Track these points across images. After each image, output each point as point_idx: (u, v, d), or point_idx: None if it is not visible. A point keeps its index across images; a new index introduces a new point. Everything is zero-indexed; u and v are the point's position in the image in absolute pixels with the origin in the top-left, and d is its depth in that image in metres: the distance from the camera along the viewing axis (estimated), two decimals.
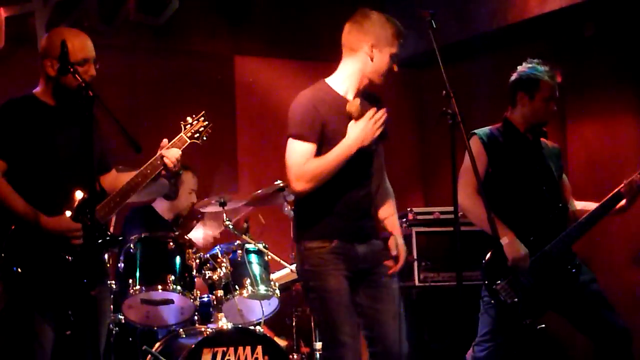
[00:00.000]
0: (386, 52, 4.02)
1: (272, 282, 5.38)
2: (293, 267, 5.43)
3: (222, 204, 5.60)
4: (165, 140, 4.12)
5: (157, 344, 5.05)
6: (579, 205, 4.94)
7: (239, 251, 5.32)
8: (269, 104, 7.24)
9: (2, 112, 3.92)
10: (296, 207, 4.15)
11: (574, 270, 4.72)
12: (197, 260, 5.15)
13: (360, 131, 3.91)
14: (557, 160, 4.95)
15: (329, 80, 4.10)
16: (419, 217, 6.42)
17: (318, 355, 5.56)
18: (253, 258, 5.38)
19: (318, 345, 5.50)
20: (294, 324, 5.94)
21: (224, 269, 5.17)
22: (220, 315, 5.12)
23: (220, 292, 5.16)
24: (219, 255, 5.22)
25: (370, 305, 4.06)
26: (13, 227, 3.83)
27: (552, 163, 4.89)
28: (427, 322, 6.39)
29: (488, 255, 4.69)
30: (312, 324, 5.55)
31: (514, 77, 4.87)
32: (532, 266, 4.63)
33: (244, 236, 5.55)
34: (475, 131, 4.83)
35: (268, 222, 5.98)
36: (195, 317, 5.22)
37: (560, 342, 6.20)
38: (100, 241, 3.96)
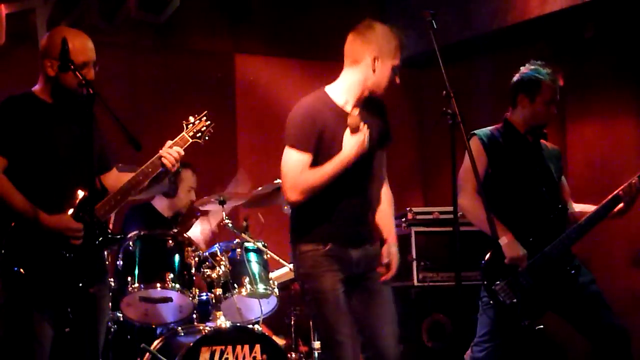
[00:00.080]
0: (388, 65, 4.02)
1: (271, 281, 5.38)
2: (292, 266, 5.43)
3: (222, 202, 5.60)
4: (169, 142, 4.13)
5: (156, 342, 5.05)
6: (578, 207, 4.94)
7: (238, 250, 5.32)
8: (269, 102, 7.24)
9: (1, 109, 3.92)
10: (292, 211, 4.15)
11: (573, 272, 4.72)
12: (196, 259, 5.15)
13: (355, 144, 3.92)
14: (556, 161, 4.95)
15: (329, 89, 4.09)
16: (419, 216, 6.42)
17: (316, 354, 5.56)
18: (252, 257, 5.39)
19: (316, 344, 5.50)
20: (292, 322, 5.94)
21: (222, 267, 5.17)
22: (219, 313, 5.13)
23: (219, 291, 5.16)
24: (218, 254, 5.23)
25: (364, 310, 4.07)
26: (13, 224, 3.83)
27: (552, 164, 4.89)
28: (425, 322, 6.39)
29: (487, 256, 4.69)
30: (311, 323, 5.55)
31: (515, 78, 4.86)
32: (531, 267, 4.63)
33: (243, 235, 5.55)
34: (475, 132, 4.83)
35: (267, 220, 5.98)
36: (194, 316, 5.22)
37: (559, 343, 6.20)
38: (100, 239, 3.96)
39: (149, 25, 6.98)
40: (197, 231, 6.03)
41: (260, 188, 5.66)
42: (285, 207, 5.53)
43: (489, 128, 4.88)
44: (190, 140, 4.20)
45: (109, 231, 4.06)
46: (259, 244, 5.46)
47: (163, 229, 5.54)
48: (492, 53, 7.14)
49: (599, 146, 6.57)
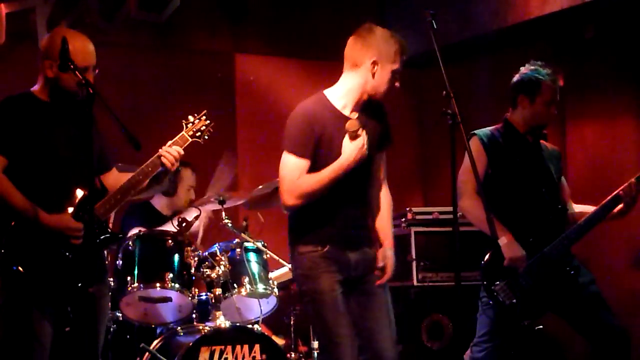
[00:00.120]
0: (388, 69, 4.02)
1: (270, 281, 5.38)
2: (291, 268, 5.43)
3: (221, 202, 5.60)
4: (169, 142, 4.13)
5: (155, 342, 5.05)
6: (578, 208, 4.94)
7: (238, 249, 5.32)
8: (269, 101, 7.24)
9: (0, 109, 3.92)
10: (290, 213, 4.15)
11: (572, 272, 4.72)
12: (196, 258, 5.15)
13: (354, 150, 3.92)
14: (556, 162, 4.95)
15: (328, 92, 4.10)
16: (418, 217, 6.42)
17: (316, 354, 5.56)
18: (252, 256, 5.38)
19: (316, 344, 5.50)
20: (292, 322, 5.93)
21: (222, 267, 5.16)
22: (219, 313, 5.12)
23: (218, 290, 5.15)
24: (218, 254, 5.22)
25: (361, 313, 4.07)
26: (13, 224, 3.83)
27: (552, 165, 4.89)
28: (425, 322, 6.39)
29: (487, 256, 4.69)
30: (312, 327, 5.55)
31: (515, 78, 4.86)
32: (530, 268, 4.63)
33: (242, 234, 5.55)
34: (475, 132, 4.83)
35: (267, 220, 5.98)
36: (194, 315, 5.22)
37: (558, 343, 6.20)
38: (100, 238, 3.96)
39: (149, 24, 6.98)
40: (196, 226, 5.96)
41: (260, 187, 5.66)
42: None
43: (489, 128, 4.88)
44: (190, 140, 4.20)
45: (109, 230, 4.06)
46: (259, 244, 5.46)
47: (163, 229, 5.55)
48: (492, 53, 7.14)
49: (598, 147, 6.57)
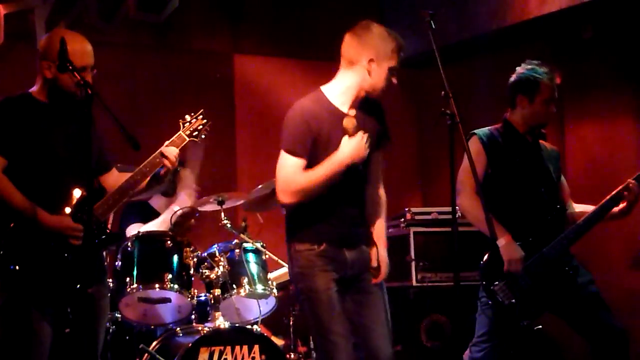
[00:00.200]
0: (385, 67, 4.01)
1: (269, 281, 5.38)
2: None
3: (220, 203, 5.60)
4: (167, 142, 4.13)
5: (154, 343, 5.05)
6: (578, 208, 4.94)
7: (237, 250, 5.32)
8: (268, 102, 7.24)
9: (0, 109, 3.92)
10: (287, 211, 4.16)
11: (571, 272, 4.72)
12: (195, 259, 5.15)
13: (352, 148, 3.92)
14: (555, 162, 4.95)
15: (326, 89, 4.09)
16: (417, 217, 6.42)
17: (315, 355, 5.56)
18: (251, 257, 5.38)
19: None
20: (291, 323, 5.93)
21: (221, 267, 5.16)
22: (218, 314, 5.12)
23: (217, 291, 5.15)
24: (217, 254, 5.22)
25: (357, 311, 4.07)
26: (12, 225, 3.82)
27: (551, 165, 4.89)
28: (424, 322, 6.39)
29: (486, 256, 4.69)
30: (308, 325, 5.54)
31: (513, 78, 4.86)
32: (529, 268, 4.63)
33: (241, 235, 5.55)
34: (475, 131, 4.83)
35: (266, 221, 5.98)
36: (193, 316, 5.21)
37: (557, 343, 6.20)
38: (99, 239, 3.96)
39: (148, 25, 6.98)
40: (183, 197, 5.92)
41: (259, 187, 5.66)
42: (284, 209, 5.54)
43: (489, 128, 4.88)
44: (187, 139, 4.20)
45: (108, 231, 4.06)
46: (258, 245, 5.46)
47: (161, 230, 5.55)
48: (491, 53, 7.14)
49: (597, 146, 6.57)
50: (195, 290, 5.14)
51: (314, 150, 3.96)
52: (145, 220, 5.75)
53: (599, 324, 4.67)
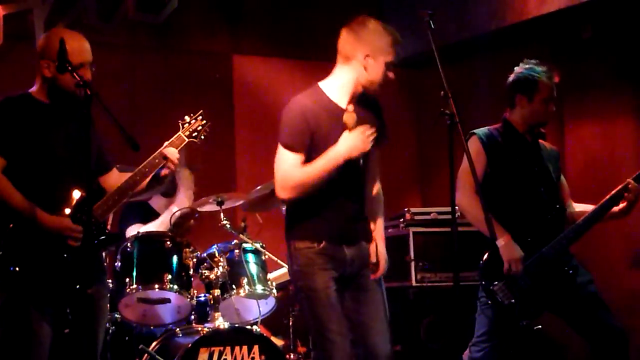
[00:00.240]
0: (381, 62, 4.02)
1: (269, 282, 5.38)
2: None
3: (220, 203, 5.60)
4: (166, 143, 4.13)
5: (154, 343, 5.04)
6: (578, 207, 4.94)
7: (236, 250, 5.32)
8: (267, 102, 7.24)
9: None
10: (287, 208, 4.16)
11: (571, 272, 4.72)
12: (194, 260, 5.15)
13: (350, 143, 3.92)
14: (555, 161, 4.95)
15: (323, 85, 4.10)
16: (417, 217, 6.42)
17: (313, 353, 5.55)
18: (250, 257, 5.38)
19: None
20: (290, 323, 5.93)
21: (221, 268, 5.16)
22: (217, 314, 5.12)
23: (217, 292, 5.15)
24: (216, 255, 5.22)
25: (355, 308, 4.08)
26: (11, 225, 3.82)
27: (551, 164, 4.89)
28: (423, 322, 6.39)
29: (485, 256, 4.69)
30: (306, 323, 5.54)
31: (511, 78, 4.86)
32: (529, 267, 4.63)
33: (241, 235, 5.55)
34: (475, 131, 4.83)
35: (265, 221, 5.98)
36: (192, 316, 5.21)
37: (557, 343, 6.20)
38: (98, 239, 3.96)
39: (147, 25, 6.98)
40: (182, 197, 5.93)
41: (258, 188, 5.66)
42: (284, 208, 5.53)
43: (488, 127, 4.88)
44: (187, 140, 4.20)
45: (107, 231, 4.06)
46: (257, 245, 5.46)
47: (160, 230, 5.54)
48: (490, 53, 7.14)
49: (597, 146, 6.57)
50: (195, 291, 5.13)
51: (313, 145, 3.97)
52: (145, 221, 5.75)
53: (599, 324, 4.67)
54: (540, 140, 4.93)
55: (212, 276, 5.15)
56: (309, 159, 3.97)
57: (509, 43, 6.91)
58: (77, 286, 3.84)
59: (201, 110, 4.30)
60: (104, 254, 4.52)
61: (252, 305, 5.34)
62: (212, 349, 4.89)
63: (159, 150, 4.07)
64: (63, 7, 6.53)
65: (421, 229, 6.37)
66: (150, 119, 6.61)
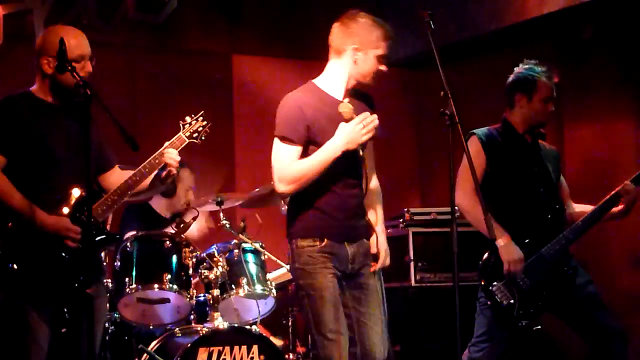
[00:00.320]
0: (371, 55, 4.04)
1: (268, 282, 5.38)
2: (289, 265, 5.42)
3: (219, 203, 5.60)
4: (167, 143, 4.13)
5: (153, 343, 5.04)
6: (577, 208, 4.94)
7: (236, 250, 5.32)
8: (267, 102, 7.20)
9: (0, 108, 3.92)
10: (289, 206, 4.16)
11: (570, 272, 4.73)
12: (194, 259, 5.15)
13: (348, 133, 3.92)
14: (555, 162, 4.95)
15: (317, 81, 4.12)
16: (416, 217, 6.41)
17: (312, 352, 5.55)
18: (250, 257, 5.38)
19: None
20: (290, 323, 5.93)
21: (220, 268, 5.16)
22: (217, 314, 5.11)
23: (216, 291, 5.15)
24: (216, 255, 5.22)
25: (354, 307, 4.08)
26: (10, 224, 3.82)
27: (550, 165, 4.89)
28: (423, 322, 6.39)
29: (485, 257, 4.69)
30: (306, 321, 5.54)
31: (511, 78, 4.87)
32: (528, 268, 4.63)
33: (240, 235, 5.55)
34: (474, 131, 4.83)
35: (265, 221, 5.98)
36: (192, 316, 5.21)
37: (556, 343, 6.20)
38: (97, 239, 3.96)
39: (146, 25, 6.98)
40: (194, 227, 5.97)
41: (257, 189, 5.66)
42: (283, 208, 5.53)
43: (488, 128, 4.89)
44: (187, 141, 4.20)
45: (106, 231, 4.06)
46: (257, 245, 5.45)
47: (161, 230, 5.55)
48: (490, 54, 7.14)
49: (596, 147, 6.57)
50: (194, 291, 5.13)
51: (310, 139, 3.97)
52: (145, 223, 5.74)
53: (598, 324, 4.68)
54: (540, 141, 4.93)
55: (212, 276, 5.15)
56: (306, 152, 3.97)
57: (509, 43, 6.91)
58: (76, 285, 3.85)
59: (202, 111, 4.30)
60: (103, 253, 4.52)
61: (252, 305, 5.33)
62: (212, 349, 4.89)
63: (159, 151, 4.07)
64: (63, 7, 6.54)
65: (421, 229, 6.36)
66: (149, 118, 6.61)
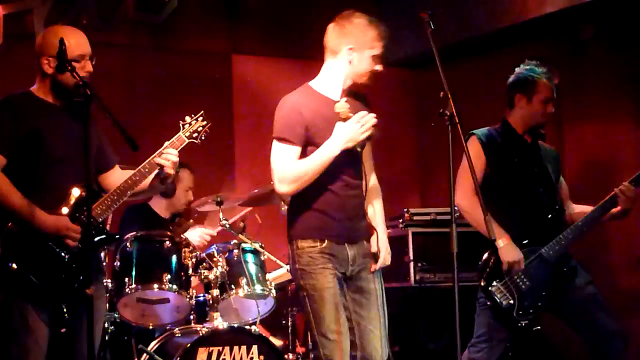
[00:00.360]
0: (366, 55, 4.05)
1: (268, 282, 5.38)
2: (289, 266, 5.42)
3: (219, 203, 5.60)
4: (166, 143, 4.13)
5: (153, 343, 5.04)
6: (577, 208, 4.94)
7: (235, 250, 5.32)
8: (267, 102, 7.19)
9: (0, 108, 3.92)
10: (289, 207, 4.16)
11: (569, 273, 4.73)
12: (193, 260, 5.15)
13: (346, 132, 3.93)
14: (554, 162, 4.95)
15: (313, 83, 4.14)
16: (416, 217, 6.41)
17: (313, 352, 5.55)
18: (249, 257, 5.38)
19: None
20: (289, 323, 5.93)
21: (220, 268, 5.16)
22: (216, 314, 5.11)
23: (216, 292, 5.15)
24: (215, 255, 5.22)
25: (355, 310, 4.08)
26: (10, 224, 3.82)
27: (550, 165, 4.89)
28: (422, 322, 6.39)
29: (484, 257, 4.69)
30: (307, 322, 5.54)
31: (511, 78, 4.87)
32: (527, 268, 4.63)
33: (240, 235, 5.55)
34: (474, 131, 4.84)
35: (264, 221, 5.98)
36: (191, 316, 5.21)
37: (555, 343, 6.20)
38: (96, 239, 3.96)
39: (146, 25, 6.98)
40: (195, 234, 5.99)
41: (256, 190, 5.66)
42: (283, 208, 5.54)
43: (487, 128, 4.89)
44: (187, 141, 4.20)
45: (106, 231, 4.06)
46: (256, 245, 5.45)
47: (160, 230, 5.54)
48: (490, 54, 7.14)
49: (596, 147, 6.57)
50: (194, 291, 5.13)
51: (308, 140, 3.98)
52: (145, 223, 5.74)
53: (597, 325, 4.68)
54: (539, 141, 4.93)
55: (211, 276, 5.15)
56: (304, 154, 3.98)
57: (509, 44, 6.91)
58: (75, 285, 3.85)
59: (202, 111, 4.30)
60: (102, 253, 4.52)
61: (251, 305, 5.33)
62: (211, 349, 4.89)
63: (158, 151, 4.07)
64: (63, 7, 6.53)
65: (420, 229, 6.36)
66: (149, 118, 6.61)
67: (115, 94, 6.21)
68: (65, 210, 3.89)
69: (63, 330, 3.89)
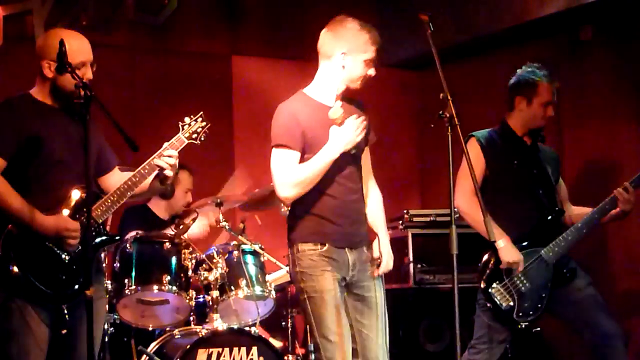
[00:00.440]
0: (359, 59, 4.06)
1: (267, 283, 5.38)
2: (288, 267, 5.42)
3: (218, 204, 5.60)
4: (165, 144, 4.13)
5: (153, 344, 5.05)
6: (576, 210, 4.94)
7: (235, 252, 5.32)
8: (267, 103, 7.18)
9: (0, 111, 3.92)
10: (290, 213, 4.16)
11: (569, 274, 4.73)
12: (193, 261, 5.15)
13: (342, 135, 3.95)
14: (554, 164, 4.95)
15: (307, 90, 4.16)
16: (415, 219, 6.41)
17: (313, 357, 5.56)
18: (249, 259, 5.38)
19: (313, 346, 5.49)
20: (289, 325, 5.93)
21: (219, 269, 5.16)
22: (216, 315, 5.12)
23: (215, 293, 5.15)
24: (215, 256, 5.22)
25: (356, 318, 4.09)
26: (10, 226, 3.82)
27: (549, 167, 4.90)
28: (422, 324, 6.39)
29: (484, 258, 4.69)
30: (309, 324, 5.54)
31: (512, 80, 4.88)
32: (527, 270, 4.63)
33: (240, 237, 5.55)
34: (474, 133, 4.84)
35: (264, 223, 5.98)
36: (191, 318, 5.21)
37: (555, 344, 6.20)
38: (96, 240, 3.96)
39: (146, 26, 6.98)
40: (194, 226, 5.97)
41: (257, 190, 5.66)
42: (283, 209, 5.54)
43: (487, 130, 4.89)
44: (186, 142, 4.19)
45: (106, 232, 4.06)
46: (256, 246, 5.46)
47: (160, 231, 5.55)
48: (490, 55, 7.14)
49: (596, 149, 6.57)
50: (194, 292, 5.13)
51: (306, 145, 3.99)
52: (144, 224, 5.74)
53: (597, 326, 4.67)
54: (539, 143, 4.93)
55: (211, 277, 5.15)
56: (302, 160, 3.99)
57: (509, 45, 6.91)
58: (75, 287, 3.85)
59: (201, 112, 4.30)
60: (102, 254, 4.52)
61: (251, 306, 5.34)
62: (211, 350, 4.89)
63: (158, 152, 4.07)
64: (63, 7, 6.54)
65: (420, 230, 6.37)
66: (149, 119, 6.61)
67: (115, 95, 6.21)
68: (65, 212, 3.88)
69: (64, 331, 3.88)
